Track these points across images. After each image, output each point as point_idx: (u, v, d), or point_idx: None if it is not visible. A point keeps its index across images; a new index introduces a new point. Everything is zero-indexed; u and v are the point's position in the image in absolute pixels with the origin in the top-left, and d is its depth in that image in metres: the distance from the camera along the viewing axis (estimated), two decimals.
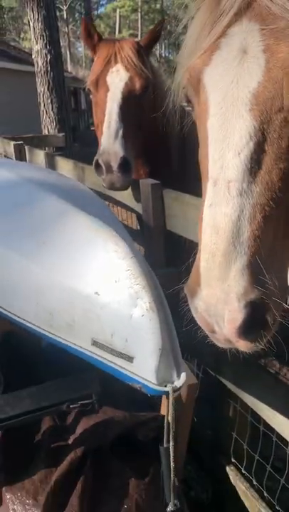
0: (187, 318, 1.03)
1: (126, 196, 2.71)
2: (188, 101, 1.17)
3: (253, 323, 0.90)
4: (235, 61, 0.98)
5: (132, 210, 2.87)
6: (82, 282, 1.38)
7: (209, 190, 0.94)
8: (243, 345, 0.95)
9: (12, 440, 1.86)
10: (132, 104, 2.41)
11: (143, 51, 2.55)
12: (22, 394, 1.73)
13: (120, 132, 2.30)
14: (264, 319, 0.91)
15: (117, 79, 2.45)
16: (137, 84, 2.45)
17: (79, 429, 1.89)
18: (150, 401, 2.13)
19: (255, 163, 0.92)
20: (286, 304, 1.00)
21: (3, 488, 1.67)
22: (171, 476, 1.29)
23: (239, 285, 0.87)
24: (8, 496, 1.63)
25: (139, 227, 3.34)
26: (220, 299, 0.88)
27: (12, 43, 35.79)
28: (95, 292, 1.34)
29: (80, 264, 1.42)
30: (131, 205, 2.70)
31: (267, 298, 0.89)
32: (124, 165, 2.28)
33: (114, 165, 2.26)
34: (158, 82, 2.65)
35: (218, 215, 0.90)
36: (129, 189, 2.63)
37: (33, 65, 6.74)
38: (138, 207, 2.55)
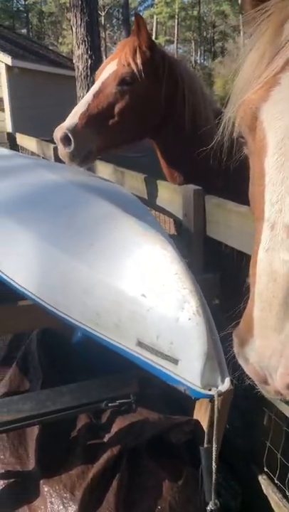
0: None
1: (165, 201, 2.73)
2: (241, 136, 1.13)
3: None
4: None
5: (169, 214, 2.90)
6: (129, 284, 1.41)
7: (265, 233, 0.90)
8: None
9: (49, 435, 1.91)
10: (109, 95, 2.57)
11: (144, 49, 2.59)
12: (63, 390, 1.78)
13: (79, 114, 2.54)
14: None
15: (106, 72, 2.63)
16: (117, 77, 2.57)
17: (115, 428, 1.93)
18: (183, 405, 2.15)
19: None
20: None
21: (41, 481, 1.72)
22: (213, 476, 1.30)
23: None
24: (45, 489, 1.68)
25: (175, 233, 3.36)
26: (275, 351, 0.83)
27: (50, 47, 36.57)
28: (141, 294, 1.37)
29: (127, 266, 1.46)
30: (170, 209, 2.72)
31: None
32: (66, 138, 2.52)
33: (58, 136, 2.54)
34: (171, 80, 2.68)
35: (276, 262, 0.86)
36: (168, 193, 2.66)
37: (70, 68, 6.89)
38: (177, 212, 2.57)
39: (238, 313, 1.06)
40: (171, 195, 2.63)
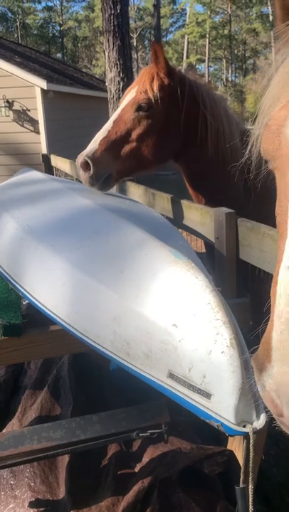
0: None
1: (196, 223, 2.71)
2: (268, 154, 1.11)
3: None
4: None
5: (201, 236, 2.87)
6: (160, 313, 1.39)
7: (287, 251, 0.86)
8: None
9: (79, 464, 1.89)
10: (127, 121, 2.64)
11: (162, 76, 2.65)
12: (93, 418, 1.75)
13: (99, 140, 2.62)
14: None
15: (126, 99, 2.71)
16: (134, 103, 2.63)
17: (146, 458, 1.88)
18: (216, 434, 2.08)
19: None
20: None
21: None
22: None
23: None
24: None
25: (205, 252, 3.33)
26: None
27: (84, 70, 37.65)
28: (172, 324, 1.34)
29: (158, 294, 1.43)
30: (201, 231, 2.70)
31: None
32: (86, 164, 2.59)
33: (78, 162, 2.62)
34: (192, 106, 2.71)
35: None
36: (200, 215, 2.64)
37: (103, 90, 7.04)
38: (209, 234, 2.54)
39: None
40: (202, 217, 2.60)
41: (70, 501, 1.72)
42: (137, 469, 1.85)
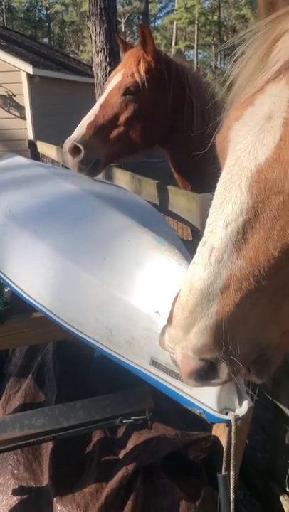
0: None
1: (183, 209, 2.69)
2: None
3: (202, 374, 0.97)
4: (257, 126, 0.94)
5: (187, 222, 2.86)
6: (142, 300, 1.37)
7: (198, 248, 0.96)
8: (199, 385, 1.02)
9: (63, 451, 1.88)
10: (115, 105, 2.58)
11: (149, 59, 2.60)
12: (76, 405, 1.74)
13: (86, 125, 2.57)
14: (215, 374, 0.97)
15: (112, 83, 2.65)
16: (121, 87, 2.58)
17: (130, 444, 1.88)
18: (201, 420, 2.09)
19: (241, 238, 0.90)
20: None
21: (54, 499, 1.68)
22: (231, 506, 1.24)
23: (197, 342, 0.92)
24: (58, 508, 1.64)
25: (192, 239, 3.32)
26: (179, 344, 0.95)
27: (72, 55, 37.08)
28: (155, 312, 1.32)
29: (141, 281, 1.41)
30: (187, 217, 2.68)
31: (221, 359, 0.94)
32: (74, 149, 2.54)
33: (66, 147, 2.57)
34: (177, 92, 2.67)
35: (195, 276, 0.93)
36: (186, 201, 2.62)
37: (91, 76, 6.93)
38: (195, 220, 2.53)
39: None
40: (188, 203, 2.58)
41: (54, 488, 1.71)
42: (121, 456, 1.85)
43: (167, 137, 2.79)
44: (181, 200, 2.69)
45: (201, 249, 0.95)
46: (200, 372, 0.96)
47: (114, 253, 1.53)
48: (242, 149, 0.95)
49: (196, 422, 2.07)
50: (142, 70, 2.56)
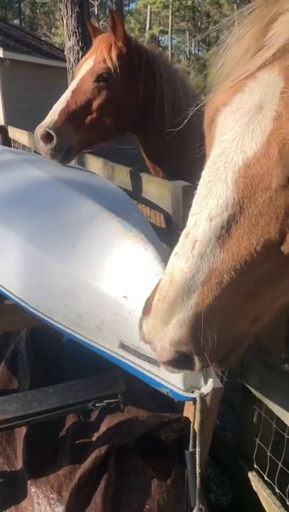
0: None
1: (155, 196, 2.71)
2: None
3: (178, 364, 0.99)
4: (247, 116, 0.90)
5: (159, 209, 2.88)
6: (110, 286, 1.39)
7: (180, 238, 0.95)
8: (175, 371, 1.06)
9: (37, 435, 1.90)
10: (87, 91, 2.57)
11: (120, 45, 2.59)
12: (49, 391, 1.76)
13: (58, 111, 2.54)
14: (190, 364, 0.99)
15: (84, 69, 2.63)
16: (93, 73, 2.57)
17: (103, 427, 1.92)
18: (172, 402, 2.14)
19: (225, 232, 0.90)
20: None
21: (28, 482, 1.71)
22: (197, 481, 1.29)
23: (175, 335, 0.93)
24: (33, 490, 1.67)
25: (165, 226, 3.35)
26: (158, 335, 0.96)
27: (43, 38, 36.18)
28: (123, 296, 1.35)
29: (108, 267, 1.44)
30: (160, 204, 2.70)
31: (198, 351, 0.95)
32: (46, 136, 2.51)
33: (38, 134, 2.55)
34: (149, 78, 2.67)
35: (177, 267, 0.93)
36: (158, 189, 2.64)
37: (63, 60, 6.81)
38: (167, 207, 2.55)
39: None
40: (160, 190, 2.60)
41: (28, 472, 1.74)
42: (94, 438, 1.89)
43: (139, 124, 2.79)
44: (153, 187, 2.71)
45: (184, 240, 0.94)
46: (176, 363, 0.98)
47: (82, 240, 1.54)
48: (229, 140, 0.92)
49: (167, 404, 2.13)
50: (114, 56, 2.54)
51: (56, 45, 30.40)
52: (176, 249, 0.95)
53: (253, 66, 0.92)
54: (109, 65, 2.53)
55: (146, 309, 1.00)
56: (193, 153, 2.76)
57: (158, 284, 0.98)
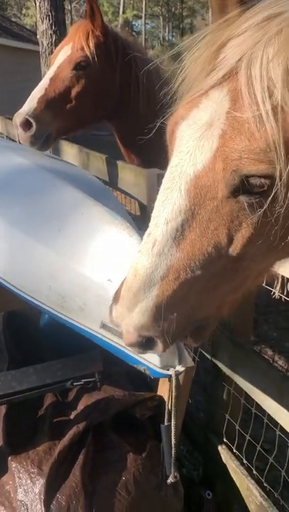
0: None
1: (130, 183, 2.76)
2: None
3: (142, 346, 1.11)
4: (200, 132, 0.99)
5: (134, 198, 2.94)
6: (95, 269, 1.46)
7: (144, 237, 1.07)
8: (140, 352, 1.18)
9: (16, 414, 1.96)
10: (65, 79, 2.61)
11: (98, 33, 2.63)
12: (29, 370, 1.82)
13: (37, 98, 2.58)
14: (153, 347, 1.11)
15: (61, 56, 2.67)
16: (71, 61, 2.61)
17: (80, 406, 1.99)
18: (147, 382, 2.24)
19: (180, 234, 1.01)
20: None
21: (9, 458, 1.77)
22: (172, 451, 1.39)
23: (138, 321, 1.05)
24: (13, 465, 1.73)
25: (139, 214, 3.41)
26: (124, 321, 1.08)
27: (13, 19, 35.11)
28: (107, 279, 1.42)
29: (94, 252, 1.50)
30: (135, 192, 2.76)
31: (159, 336, 1.07)
32: (26, 123, 2.57)
33: (17, 121, 2.58)
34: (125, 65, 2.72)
35: (139, 264, 1.04)
36: (133, 176, 2.70)
37: (35, 43, 6.71)
38: (142, 195, 2.61)
39: None
40: (136, 178, 2.66)
41: (9, 449, 1.80)
42: (72, 416, 1.96)
43: (115, 112, 2.84)
44: (128, 174, 2.76)
45: (146, 239, 1.05)
46: (140, 345, 1.10)
47: (67, 225, 1.60)
48: (184, 152, 1.01)
49: (143, 383, 2.22)
50: (92, 44, 2.57)
51: (27, 27, 29.58)
52: (140, 247, 1.06)
53: (206, 85, 1.00)
54: (87, 53, 2.56)
55: (116, 297, 1.10)
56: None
57: (125, 276, 1.08)
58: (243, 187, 0.93)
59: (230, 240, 1.00)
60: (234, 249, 1.00)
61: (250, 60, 0.93)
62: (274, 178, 0.91)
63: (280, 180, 0.90)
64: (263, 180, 0.91)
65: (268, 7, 0.97)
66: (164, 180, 1.05)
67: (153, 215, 1.05)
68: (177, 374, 1.36)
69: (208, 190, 0.98)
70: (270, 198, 0.92)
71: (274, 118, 0.89)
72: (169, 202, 1.01)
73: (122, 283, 1.09)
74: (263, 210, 0.93)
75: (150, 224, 1.05)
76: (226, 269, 1.04)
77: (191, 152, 1.00)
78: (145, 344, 1.10)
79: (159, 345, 1.09)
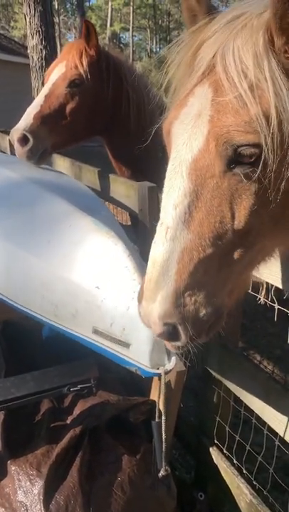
0: None
1: (122, 195, 2.87)
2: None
3: (168, 335, 1.15)
4: (191, 124, 1.12)
5: (126, 208, 3.04)
6: (84, 278, 1.55)
7: (157, 228, 1.14)
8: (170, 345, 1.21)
9: (14, 420, 2.03)
10: (60, 96, 2.72)
11: (91, 53, 2.75)
12: (26, 377, 1.89)
13: (33, 115, 2.67)
14: (178, 334, 1.14)
15: (55, 74, 2.78)
16: (66, 79, 2.73)
17: (76, 410, 2.07)
18: (140, 387, 2.32)
19: (188, 216, 1.10)
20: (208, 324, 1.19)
21: (8, 462, 1.84)
22: (163, 445, 1.47)
23: (161, 308, 1.10)
24: (13, 468, 1.80)
25: (130, 223, 3.51)
26: (149, 313, 1.13)
27: (1, 31, 35.31)
28: (96, 286, 1.51)
29: (82, 261, 1.59)
30: (126, 203, 2.86)
31: (182, 321, 1.12)
32: (23, 138, 2.64)
33: (15, 137, 2.65)
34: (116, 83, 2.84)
35: (156, 252, 1.11)
36: (125, 189, 2.80)
37: (24, 56, 6.82)
38: (133, 206, 2.72)
39: None
40: (127, 190, 2.76)
41: (8, 453, 1.87)
42: (68, 421, 2.03)
43: (108, 127, 2.95)
44: (120, 187, 2.87)
45: (159, 228, 1.13)
46: (166, 335, 1.14)
47: (56, 236, 1.69)
48: (181, 144, 1.13)
49: (136, 389, 2.30)
50: (85, 62, 2.68)
51: (15, 39, 29.78)
52: (154, 238, 1.14)
53: (190, 85, 1.15)
54: (81, 71, 2.67)
55: (140, 297, 1.16)
56: (156, 155, 2.95)
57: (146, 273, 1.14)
58: (236, 158, 1.05)
59: (234, 214, 1.09)
60: (239, 223, 1.09)
61: (224, 53, 1.08)
62: (261, 146, 1.02)
63: (266, 146, 1.02)
64: (252, 149, 1.03)
65: (231, 12, 1.14)
66: (167, 174, 1.16)
67: (162, 205, 1.15)
68: (166, 372, 1.45)
69: (206, 169, 1.09)
70: (260, 165, 1.03)
71: (252, 94, 1.03)
72: (174, 189, 1.12)
73: (143, 282, 1.15)
74: (256, 175, 1.04)
75: (160, 215, 1.14)
76: (234, 245, 1.12)
77: (186, 142, 1.13)
78: (170, 334, 1.13)
79: (182, 333, 1.13)
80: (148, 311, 1.12)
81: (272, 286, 1.85)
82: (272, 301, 1.94)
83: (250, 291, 2.08)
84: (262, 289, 2.10)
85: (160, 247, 1.11)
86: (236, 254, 1.14)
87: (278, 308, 1.81)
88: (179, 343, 1.17)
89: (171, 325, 1.12)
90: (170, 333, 1.13)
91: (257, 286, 2.09)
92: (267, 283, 1.88)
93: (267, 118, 1.02)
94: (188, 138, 1.12)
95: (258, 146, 1.03)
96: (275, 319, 1.79)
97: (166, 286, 1.09)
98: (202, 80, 1.13)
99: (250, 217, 1.09)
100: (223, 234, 1.11)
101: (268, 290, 2.03)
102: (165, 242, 1.10)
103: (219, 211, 1.10)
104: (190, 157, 1.11)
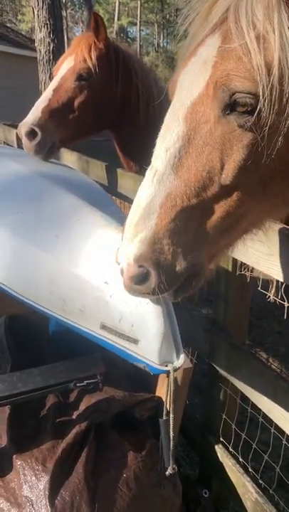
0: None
1: (129, 190, 2.85)
2: None
3: (140, 279, 1.13)
4: (196, 70, 1.12)
5: (131, 202, 3.01)
6: (93, 273, 1.53)
7: (146, 172, 1.13)
8: (136, 290, 1.18)
9: (20, 415, 2.03)
10: (68, 90, 2.70)
11: (100, 46, 2.72)
12: (33, 372, 1.89)
13: (41, 109, 2.64)
14: (148, 279, 1.13)
15: (64, 68, 2.76)
16: (74, 72, 2.71)
17: (82, 406, 2.06)
18: (146, 383, 2.31)
19: (178, 161, 1.08)
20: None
21: (14, 456, 1.83)
22: (171, 443, 1.46)
23: (138, 250, 1.09)
24: (18, 463, 1.79)
25: None
26: (126, 253, 1.12)
27: (9, 25, 35.24)
28: (104, 282, 1.49)
29: (91, 256, 1.57)
30: (134, 198, 2.84)
31: (156, 268, 1.10)
32: (31, 132, 2.62)
33: (23, 131, 2.64)
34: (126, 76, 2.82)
35: (142, 194, 1.11)
36: (132, 183, 2.78)
37: (31, 49, 6.79)
38: None
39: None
40: (135, 185, 2.74)
41: (13, 448, 1.86)
42: (74, 416, 2.02)
43: (116, 122, 2.92)
44: (128, 182, 2.85)
45: (148, 172, 1.12)
46: (137, 279, 1.12)
47: (65, 231, 1.67)
48: (183, 88, 1.13)
49: (142, 385, 2.29)
50: (94, 56, 2.66)
51: (23, 33, 29.72)
52: (142, 181, 1.13)
53: (202, 35, 1.15)
54: (90, 64, 2.65)
55: (122, 236, 1.15)
56: None
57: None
58: (231, 105, 1.05)
59: (223, 166, 1.08)
60: (227, 176, 1.08)
61: (237, 4, 1.08)
62: (258, 96, 1.02)
63: (263, 97, 1.01)
64: (248, 99, 1.02)
65: None
66: (165, 118, 1.15)
67: (155, 149, 1.13)
68: (175, 369, 1.43)
69: (202, 114, 1.09)
70: (255, 115, 1.02)
71: (257, 44, 1.02)
72: (169, 131, 1.11)
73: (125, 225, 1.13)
74: (250, 125, 1.03)
75: (152, 158, 1.12)
76: (219, 200, 1.11)
77: (188, 86, 1.12)
78: (143, 278, 1.12)
79: (153, 278, 1.11)
80: (125, 251, 1.11)
81: (282, 284, 1.83)
82: (281, 298, 1.92)
83: (259, 288, 2.06)
84: (272, 287, 2.08)
85: (146, 189, 1.10)
86: (219, 212, 1.12)
87: (288, 307, 1.78)
88: (146, 286, 1.13)
89: (145, 269, 1.11)
90: (141, 278, 1.12)
91: (267, 284, 2.07)
92: (277, 281, 1.86)
93: (269, 70, 1.01)
94: (190, 83, 1.12)
95: (254, 96, 1.03)
96: (285, 317, 1.76)
97: (145, 229, 1.08)
98: (214, 30, 1.13)
99: (239, 172, 1.08)
100: (209, 185, 1.09)
101: (277, 288, 2.02)
102: (151, 184, 1.09)
103: (209, 160, 1.09)
104: (189, 101, 1.11)
